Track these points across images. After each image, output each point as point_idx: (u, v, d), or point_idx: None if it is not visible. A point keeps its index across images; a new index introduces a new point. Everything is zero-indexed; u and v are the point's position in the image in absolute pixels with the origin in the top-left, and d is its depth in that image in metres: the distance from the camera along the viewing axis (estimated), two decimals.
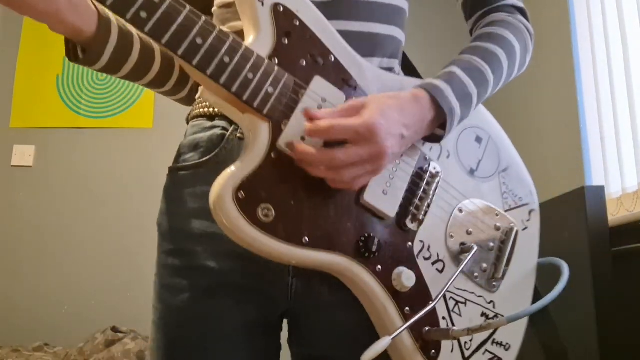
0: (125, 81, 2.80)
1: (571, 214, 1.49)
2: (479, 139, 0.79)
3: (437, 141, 0.71)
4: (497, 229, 0.77)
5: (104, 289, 2.46)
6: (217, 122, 0.72)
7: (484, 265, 0.75)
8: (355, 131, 0.59)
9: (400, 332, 0.64)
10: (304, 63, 0.64)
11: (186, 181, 0.73)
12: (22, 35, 2.77)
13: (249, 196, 0.58)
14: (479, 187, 0.77)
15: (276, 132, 0.60)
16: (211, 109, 0.73)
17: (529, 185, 0.84)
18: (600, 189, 1.49)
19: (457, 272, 0.70)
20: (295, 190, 0.61)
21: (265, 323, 0.71)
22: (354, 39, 0.69)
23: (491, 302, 0.75)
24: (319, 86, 0.64)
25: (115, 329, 2.15)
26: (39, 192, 2.61)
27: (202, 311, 0.68)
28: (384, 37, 0.75)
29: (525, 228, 0.81)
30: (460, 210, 0.74)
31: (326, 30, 0.67)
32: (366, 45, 0.72)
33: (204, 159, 0.71)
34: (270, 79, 0.61)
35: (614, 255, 1.41)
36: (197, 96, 0.79)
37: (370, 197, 0.65)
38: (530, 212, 0.83)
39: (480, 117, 0.80)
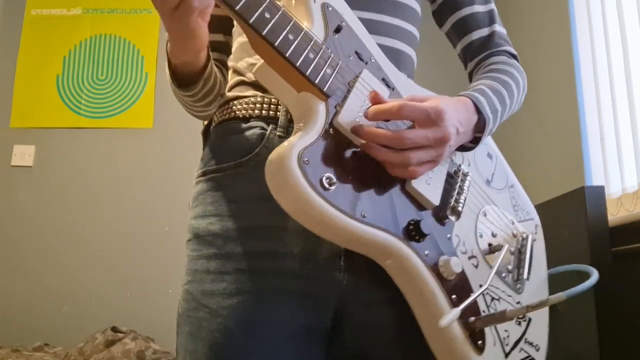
0: (125, 81, 2.81)
1: (571, 214, 1.49)
2: (489, 155, 0.83)
3: (469, 149, 0.75)
4: (514, 235, 0.81)
5: (104, 289, 2.46)
6: (254, 123, 0.72)
7: (509, 266, 0.77)
8: (426, 112, 0.62)
9: (466, 306, 0.64)
10: (351, 57, 0.68)
11: (225, 182, 0.72)
12: (22, 35, 2.77)
13: (313, 163, 0.58)
14: (496, 196, 0.81)
15: (331, 112, 0.62)
16: (244, 112, 0.73)
17: (531, 204, 0.89)
18: (600, 189, 1.49)
19: (499, 261, 0.71)
20: (352, 168, 0.62)
21: (314, 330, 0.69)
22: (383, 52, 0.74)
23: (518, 302, 0.76)
24: (368, 78, 0.68)
25: (115, 329, 2.15)
26: (39, 192, 2.61)
27: (252, 317, 0.66)
28: (407, 56, 0.81)
29: (535, 240, 0.84)
30: (485, 214, 0.77)
31: (366, 35, 0.72)
32: (392, 60, 0.75)
33: (244, 158, 0.71)
34: (328, 61, 0.64)
35: (614, 255, 1.42)
36: (219, 103, 0.79)
37: (417, 184, 0.67)
38: (536, 226, 0.88)
39: (487, 138, 0.86)
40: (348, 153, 0.63)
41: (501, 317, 0.65)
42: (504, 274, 0.75)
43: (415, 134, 0.62)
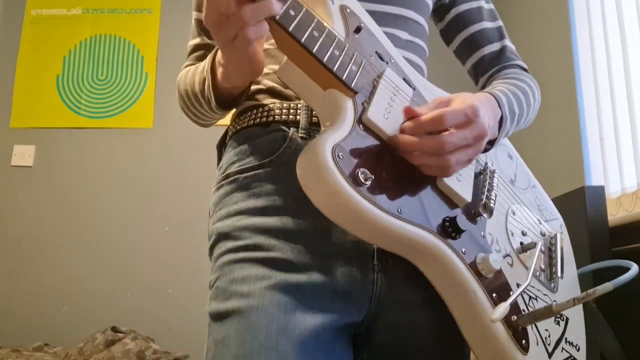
0: (125, 81, 2.81)
1: (571, 214, 1.49)
2: (510, 156, 0.83)
3: (486, 150, 0.74)
4: (543, 234, 0.80)
5: (104, 289, 2.46)
6: (274, 127, 0.72)
7: (542, 265, 0.75)
8: (464, 113, 0.63)
9: (514, 299, 0.62)
10: (372, 57, 0.68)
11: (249, 184, 0.71)
12: (22, 35, 2.77)
13: (346, 158, 0.56)
14: (521, 195, 0.80)
15: (359, 109, 0.62)
16: (264, 119, 0.73)
17: (552, 204, 0.88)
18: (600, 189, 1.49)
19: (535, 258, 0.70)
20: (383, 164, 0.61)
21: (341, 329, 0.66)
22: None
23: (554, 301, 0.73)
24: (392, 76, 0.67)
25: (115, 329, 2.15)
26: (38, 192, 2.60)
27: (282, 300, 0.63)
28: (419, 67, 0.82)
29: (562, 239, 0.83)
30: (513, 213, 0.76)
31: (384, 38, 0.72)
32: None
33: (267, 159, 0.70)
34: (353, 59, 0.63)
35: (614, 255, 1.42)
36: (234, 113, 0.79)
37: (449, 180, 0.65)
38: (561, 225, 0.87)
39: (506, 139, 0.86)
40: (378, 149, 0.61)
41: (548, 312, 0.63)
42: (538, 273, 0.74)
43: (456, 137, 0.62)
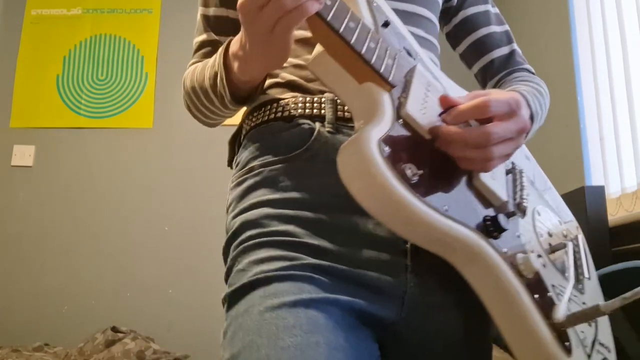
0: (125, 81, 2.82)
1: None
2: (527, 158, 0.81)
3: None
4: (565, 236, 0.78)
5: (104, 289, 2.46)
6: (298, 121, 0.69)
7: (568, 266, 0.73)
8: (508, 103, 0.60)
9: (567, 299, 0.60)
10: (402, 52, 0.65)
11: (274, 178, 0.67)
12: (22, 35, 2.77)
13: (393, 152, 0.53)
14: (541, 196, 0.78)
15: (395, 103, 0.59)
16: (286, 112, 0.70)
17: (566, 207, 0.87)
18: (600, 189, 1.49)
19: (571, 258, 0.69)
20: (425, 160, 0.58)
21: (372, 321, 0.63)
22: None
23: (584, 303, 0.72)
24: (422, 72, 0.65)
25: (115, 329, 2.15)
26: (38, 192, 2.61)
27: (302, 288, 0.59)
28: (435, 64, 0.80)
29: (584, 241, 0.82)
30: (539, 213, 0.74)
31: (408, 35, 0.70)
32: None
33: (294, 153, 0.67)
34: (387, 52, 0.61)
35: (614, 255, 1.42)
36: (249, 109, 0.76)
37: (486, 179, 0.63)
38: (577, 227, 0.85)
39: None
40: (418, 145, 0.59)
41: (595, 312, 0.60)
42: (566, 274, 0.71)
43: (501, 128, 0.59)
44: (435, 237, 0.56)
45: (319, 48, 0.61)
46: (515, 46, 0.91)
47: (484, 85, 0.93)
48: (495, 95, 0.60)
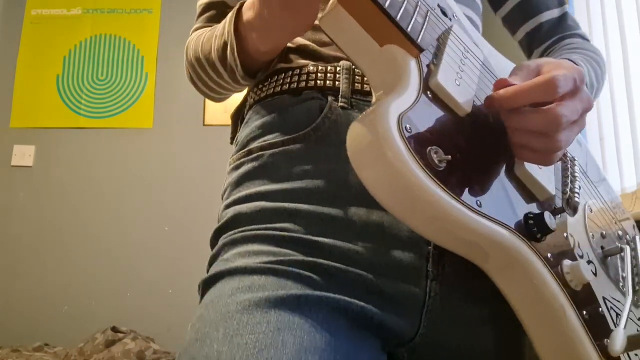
0: (125, 81, 2.81)
1: None
2: (579, 142, 0.69)
3: None
4: (619, 237, 0.66)
5: (104, 289, 2.46)
6: (307, 94, 0.59)
7: (623, 274, 0.62)
8: (574, 79, 0.49)
9: (625, 322, 0.50)
10: (435, 10, 0.54)
11: (277, 161, 0.58)
12: (22, 35, 2.77)
13: (416, 131, 0.43)
14: (594, 189, 0.67)
15: (424, 71, 0.48)
16: (294, 84, 0.60)
17: (621, 201, 0.76)
18: None
19: (629, 262, 0.58)
20: (456, 142, 0.47)
21: (381, 331, 0.52)
22: None
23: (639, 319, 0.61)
24: (460, 34, 0.55)
25: (115, 329, 2.16)
26: (38, 192, 2.61)
27: (306, 281, 0.50)
28: (476, 24, 0.71)
29: None
30: (590, 210, 0.63)
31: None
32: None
33: (300, 132, 0.57)
34: (417, 8, 0.50)
35: None
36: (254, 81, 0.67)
37: (531, 167, 0.52)
38: (634, 226, 0.74)
39: None
40: (449, 123, 0.48)
41: None
42: (621, 284, 0.60)
43: (568, 109, 0.48)
44: (464, 238, 0.46)
45: (333, 1, 0.50)
46: (567, 8, 0.80)
47: (529, 54, 0.82)
48: (560, 71, 0.49)
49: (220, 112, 2.59)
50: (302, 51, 0.62)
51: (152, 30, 2.79)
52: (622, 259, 0.62)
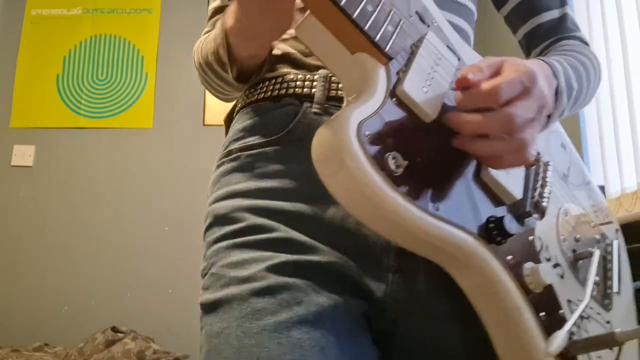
0: (125, 81, 2.81)
1: None
2: (563, 146, 0.71)
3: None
4: (597, 241, 0.68)
5: (104, 289, 2.46)
6: (286, 101, 0.63)
7: (596, 278, 0.63)
8: (521, 82, 0.50)
9: (573, 324, 0.52)
10: (412, 18, 0.55)
11: (253, 162, 0.62)
12: (22, 35, 2.77)
13: (375, 138, 0.45)
14: (574, 193, 0.68)
15: (393, 79, 0.50)
16: (275, 92, 0.64)
17: (607, 206, 0.77)
18: (600, 189, 1.49)
19: (592, 274, 0.58)
20: (418, 148, 0.49)
21: (362, 317, 0.57)
22: None
23: (608, 322, 0.63)
24: (435, 41, 0.56)
25: (115, 329, 2.16)
26: (38, 192, 2.61)
27: (280, 283, 0.55)
28: (464, 31, 0.72)
29: (620, 247, 0.73)
30: (566, 213, 0.64)
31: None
32: None
33: (275, 136, 0.61)
34: (389, 17, 0.51)
35: None
36: (249, 84, 0.70)
37: (497, 172, 0.54)
38: (617, 231, 0.76)
39: (558, 125, 0.73)
40: (413, 129, 0.50)
41: (609, 340, 0.51)
42: (586, 288, 0.62)
43: (521, 108, 0.50)
44: (421, 239, 0.48)
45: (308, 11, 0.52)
46: (567, 9, 0.79)
47: (527, 54, 0.82)
48: (507, 76, 0.51)
49: (220, 112, 2.58)
50: (287, 60, 0.65)
51: (152, 30, 2.79)
52: (592, 262, 0.63)
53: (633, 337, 0.52)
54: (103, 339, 2.09)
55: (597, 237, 0.69)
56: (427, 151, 0.50)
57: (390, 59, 0.50)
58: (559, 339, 0.49)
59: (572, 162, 0.71)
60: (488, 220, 0.52)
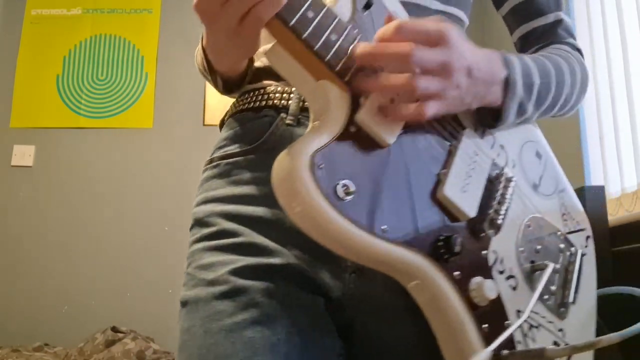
0: (125, 81, 2.81)
1: None
2: (538, 155, 0.74)
3: (492, 126, 0.64)
4: (561, 250, 0.70)
5: (104, 289, 2.46)
6: (265, 112, 0.67)
7: (552, 288, 0.67)
8: (428, 32, 0.52)
9: (499, 344, 0.54)
10: None
11: (229, 170, 0.67)
12: (22, 35, 2.77)
13: (327, 168, 0.49)
14: (543, 203, 0.71)
15: (354, 105, 0.53)
16: (257, 103, 0.68)
17: (583, 212, 0.79)
18: (601, 189, 1.49)
19: (541, 287, 0.61)
20: (375, 173, 0.53)
21: (323, 316, 0.62)
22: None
23: (561, 330, 0.66)
24: None
25: (115, 329, 2.16)
26: (38, 192, 2.61)
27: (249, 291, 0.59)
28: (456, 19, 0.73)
29: (585, 254, 0.74)
30: (529, 225, 0.67)
31: (401, 15, 0.63)
32: None
33: (250, 146, 0.66)
34: (354, 43, 0.54)
35: (614, 255, 1.41)
36: (238, 94, 0.74)
37: (450, 192, 0.57)
38: (587, 238, 0.77)
39: (537, 134, 0.76)
40: (372, 155, 0.53)
41: (538, 355, 0.54)
42: (546, 296, 0.65)
43: (419, 49, 0.50)
44: (370, 259, 0.52)
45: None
46: (562, 15, 0.80)
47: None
48: (413, 23, 0.52)
49: (220, 112, 2.58)
50: (268, 72, 0.68)
51: (152, 30, 2.79)
52: (555, 273, 0.67)
53: (561, 355, 0.55)
54: (103, 339, 2.09)
55: (562, 246, 0.71)
56: (381, 175, 0.53)
57: (349, 86, 0.53)
58: (480, 357, 0.53)
59: (546, 171, 0.74)
60: (437, 239, 0.56)
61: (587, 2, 2.01)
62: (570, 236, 0.74)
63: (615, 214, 1.72)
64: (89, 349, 2.06)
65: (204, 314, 0.59)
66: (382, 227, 0.52)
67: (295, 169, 0.48)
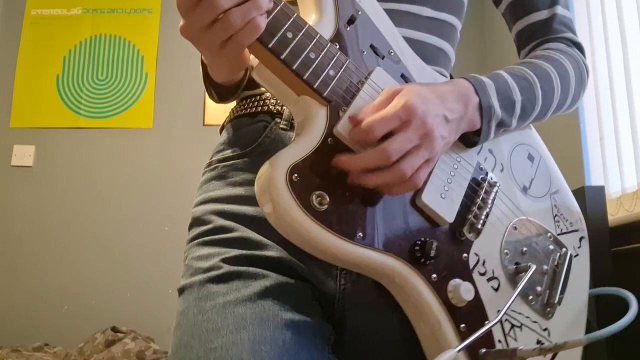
0: (125, 81, 2.81)
1: None
2: (530, 157, 0.75)
3: (471, 144, 0.66)
4: (550, 252, 0.72)
5: (104, 289, 2.46)
6: (260, 117, 0.70)
7: (538, 288, 0.69)
8: (397, 116, 0.55)
9: (466, 345, 0.56)
10: (365, 53, 0.61)
11: (226, 172, 0.71)
12: (22, 35, 2.77)
13: (303, 180, 0.52)
14: (532, 206, 0.72)
15: (333, 118, 0.56)
16: (254, 109, 0.71)
17: (579, 212, 0.80)
18: (601, 189, 1.49)
19: (519, 289, 0.63)
20: (350, 183, 0.56)
21: (313, 306, 0.64)
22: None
23: (546, 329, 0.68)
24: (380, 78, 0.61)
25: (115, 329, 2.15)
26: (38, 192, 2.61)
27: (242, 275, 0.63)
28: (439, 50, 0.74)
29: (577, 255, 0.76)
30: (515, 228, 0.69)
31: (387, 25, 0.64)
32: (420, 54, 0.69)
33: (247, 149, 0.69)
34: (332, 61, 0.57)
35: (614, 255, 1.42)
36: (234, 105, 0.78)
37: (429, 199, 0.60)
38: (581, 239, 0.78)
39: (531, 136, 0.78)
40: None
41: (511, 354, 0.57)
42: (531, 297, 0.67)
43: (396, 140, 0.54)
44: (351, 264, 0.56)
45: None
46: (558, 9, 0.80)
47: (518, 54, 0.84)
48: (384, 111, 0.55)
49: (220, 112, 2.59)
50: None
51: (152, 30, 2.79)
52: (544, 274, 0.70)
53: (530, 355, 0.56)
54: (103, 339, 2.08)
55: (551, 247, 0.72)
56: (358, 185, 0.55)
57: (329, 101, 0.56)
58: (445, 356, 0.54)
59: (538, 173, 0.75)
60: (415, 244, 0.58)
61: (587, 2, 2.01)
62: (561, 237, 0.75)
63: (615, 214, 1.72)
64: (89, 349, 2.06)
65: (198, 295, 0.62)
66: (358, 235, 0.55)
67: (274, 180, 0.52)
